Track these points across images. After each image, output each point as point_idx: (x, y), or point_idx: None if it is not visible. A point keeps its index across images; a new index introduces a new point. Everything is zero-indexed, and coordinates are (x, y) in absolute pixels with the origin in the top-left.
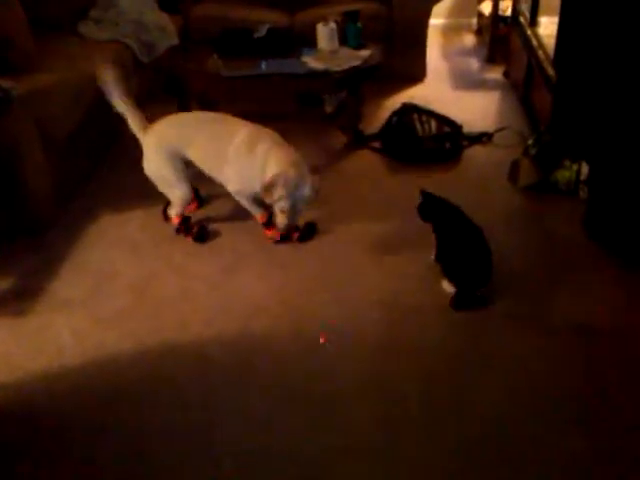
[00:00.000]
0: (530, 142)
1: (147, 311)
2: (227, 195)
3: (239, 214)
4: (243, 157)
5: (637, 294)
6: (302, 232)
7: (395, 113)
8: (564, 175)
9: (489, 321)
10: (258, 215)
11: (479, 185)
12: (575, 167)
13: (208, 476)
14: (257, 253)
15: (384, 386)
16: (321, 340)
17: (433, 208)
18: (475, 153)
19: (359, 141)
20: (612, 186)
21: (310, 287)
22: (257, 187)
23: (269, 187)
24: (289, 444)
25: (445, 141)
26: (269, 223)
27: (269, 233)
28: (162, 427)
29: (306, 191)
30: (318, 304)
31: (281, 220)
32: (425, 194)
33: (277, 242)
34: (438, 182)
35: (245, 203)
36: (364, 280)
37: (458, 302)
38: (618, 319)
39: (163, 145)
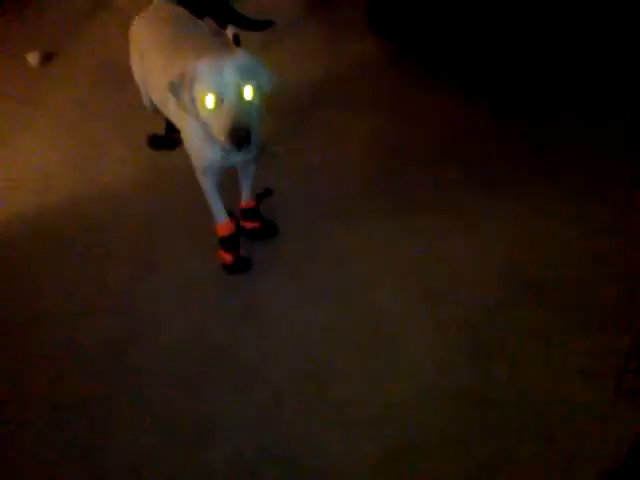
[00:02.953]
0: None
1: None
2: None
3: None
4: (177, 113)
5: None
6: (258, 230)
7: None
8: None
9: None
10: (219, 224)
11: None
12: None
13: None
14: None
15: None
16: None
17: None
18: None
19: None
20: None
21: None
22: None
23: (176, 85)
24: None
25: None
26: (229, 244)
27: (222, 254)
28: None
29: (234, 76)
30: None
31: (220, 124)
32: None
33: (228, 270)
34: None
35: (206, 193)
36: None
37: None
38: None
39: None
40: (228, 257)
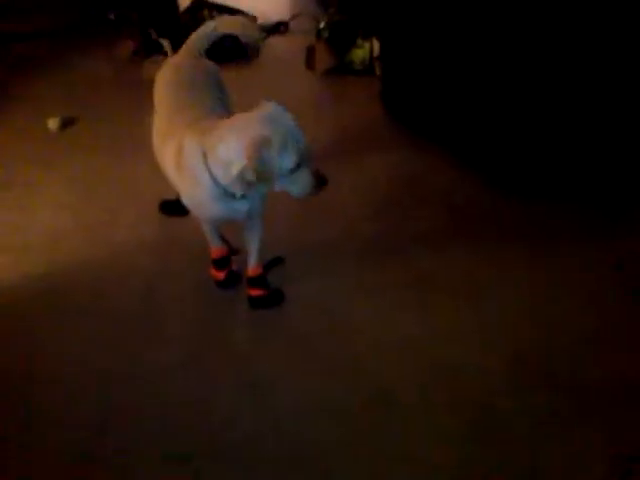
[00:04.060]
0: (322, 25)
1: None
2: None
3: None
4: (177, 177)
5: (421, 149)
6: (261, 298)
7: (186, 11)
8: (358, 54)
9: None
10: (213, 248)
11: (280, 76)
12: (367, 45)
13: None
14: None
15: None
16: None
17: None
18: (274, 44)
19: (150, 47)
20: (402, 59)
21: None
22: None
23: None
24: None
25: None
26: (220, 264)
27: (214, 272)
28: None
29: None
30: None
31: (304, 183)
32: None
33: (221, 285)
34: (240, 78)
35: (204, 226)
36: None
37: None
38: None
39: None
40: (220, 274)
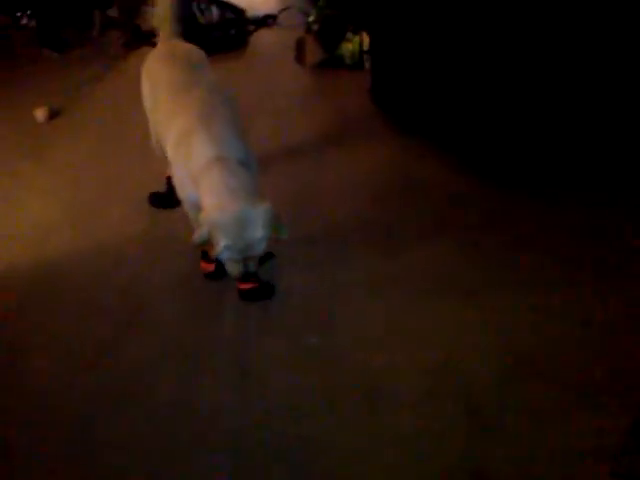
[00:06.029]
0: (311, 18)
1: None
2: None
3: None
4: (176, 157)
5: (411, 143)
6: (253, 291)
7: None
8: (348, 48)
9: None
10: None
11: (269, 70)
12: (357, 39)
13: None
14: None
15: None
16: None
17: None
18: (262, 37)
19: (138, 38)
20: (391, 53)
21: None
22: (195, 197)
23: (200, 239)
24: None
25: (230, 28)
26: (209, 257)
27: (203, 264)
28: None
29: (257, 231)
30: None
31: (231, 269)
32: None
33: (211, 277)
34: (227, 71)
35: (186, 208)
36: None
37: None
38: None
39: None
40: (210, 266)
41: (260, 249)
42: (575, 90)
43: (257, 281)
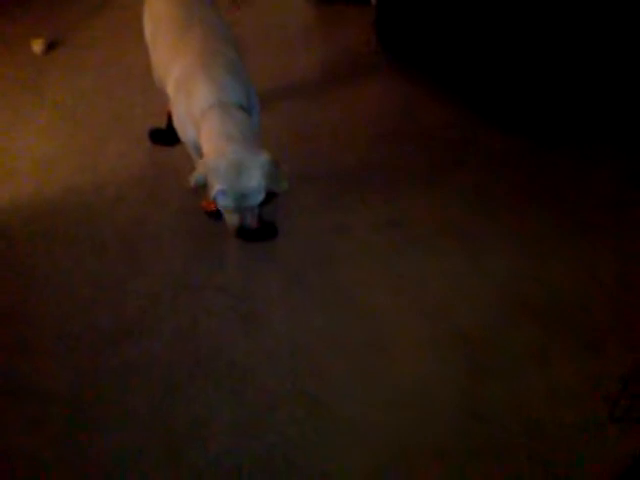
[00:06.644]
0: None
1: None
2: None
3: None
4: (177, 99)
5: (414, 81)
6: (256, 231)
7: None
8: None
9: None
10: (192, 176)
11: (271, 3)
12: None
13: None
14: None
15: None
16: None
17: None
18: None
19: None
20: None
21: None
22: (195, 138)
23: (196, 181)
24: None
25: None
26: None
27: (205, 204)
28: None
29: (253, 180)
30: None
31: (228, 220)
32: None
33: (210, 216)
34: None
35: (188, 148)
36: None
37: None
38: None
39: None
40: (211, 205)
41: (256, 200)
42: (583, 33)
43: (260, 221)
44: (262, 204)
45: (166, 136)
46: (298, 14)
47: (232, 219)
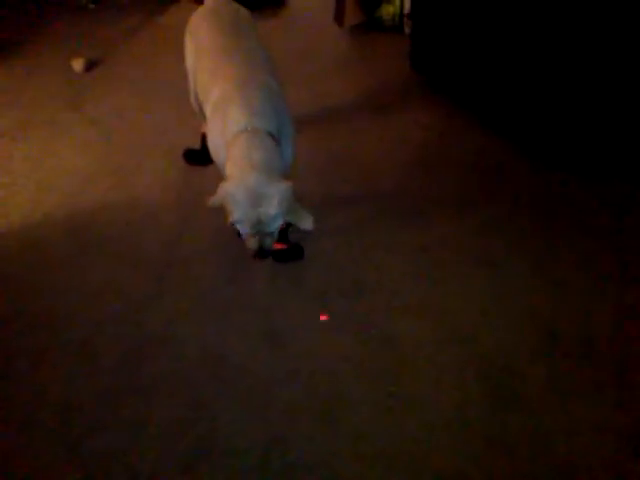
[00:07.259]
0: None
1: None
2: None
3: None
4: (213, 121)
5: (449, 111)
6: (282, 252)
7: None
8: (388, 10)
9: None
10: (211, 199)
11: (307, 30)
12: (398, 1)
13: None
14: None
15: None
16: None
17: None
18: None
19: None
20: (433, 18)
21: None
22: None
23: (212, 205)
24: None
25: None
26: None
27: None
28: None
29: (270, 208)
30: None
31: (247, 242)
32: None
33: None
34: (265, 29)
35: (220, 170)
36: None
37: None
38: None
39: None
40: None
41: (274, 227)
42: (625, 77)
43: (287, 242)
44: (282, 230)
45: (200, 157)
46: (334, 42)
47: (250, 242)
